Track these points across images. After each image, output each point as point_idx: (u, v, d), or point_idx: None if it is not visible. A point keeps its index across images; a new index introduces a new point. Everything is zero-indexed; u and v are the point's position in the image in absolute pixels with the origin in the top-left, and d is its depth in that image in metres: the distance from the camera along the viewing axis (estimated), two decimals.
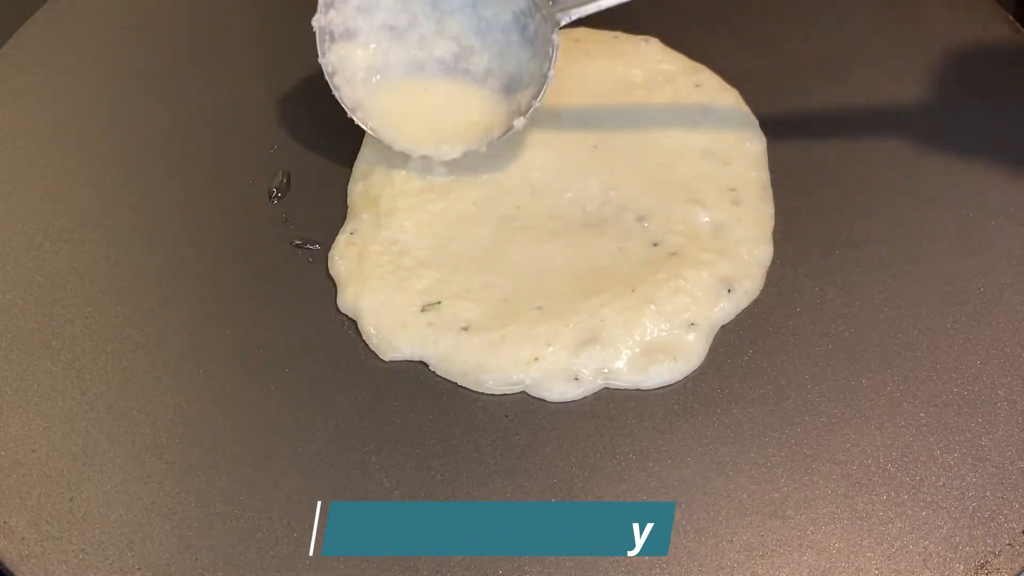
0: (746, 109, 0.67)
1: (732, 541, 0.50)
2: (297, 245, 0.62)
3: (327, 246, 0.62)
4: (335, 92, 0.63)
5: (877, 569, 0.49)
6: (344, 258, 0.61)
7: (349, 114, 0.63)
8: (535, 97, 0.62)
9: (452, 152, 0.63)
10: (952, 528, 0.50)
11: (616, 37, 0.71)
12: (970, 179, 0.63)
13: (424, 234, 0.61)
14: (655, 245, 0.60)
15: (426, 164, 0.63)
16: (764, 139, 0.66)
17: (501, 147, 0.64)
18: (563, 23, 0.61)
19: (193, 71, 0.72)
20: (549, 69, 0.61)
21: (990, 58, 0.69)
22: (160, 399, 0.56)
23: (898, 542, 0.50)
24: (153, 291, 0.60)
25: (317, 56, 0.63)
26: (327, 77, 0.63)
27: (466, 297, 0.58)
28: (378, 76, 0.65)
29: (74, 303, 0.60)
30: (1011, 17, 0.71)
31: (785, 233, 0.61)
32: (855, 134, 0.66)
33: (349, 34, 0.64)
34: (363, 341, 0.58)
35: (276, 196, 0.65)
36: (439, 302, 0.58)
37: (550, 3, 0.62)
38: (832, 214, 0.62)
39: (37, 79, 0.71)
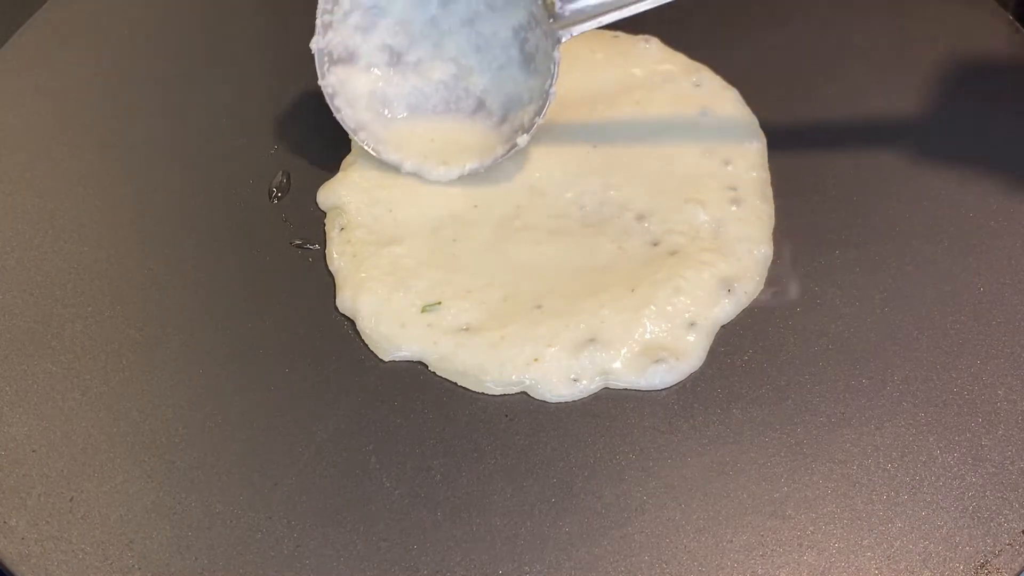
0: (746, 109, 0.67)
1: (732, 541, 0.50)
2: (297, 245, 0.62)
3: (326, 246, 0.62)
4: (336, 114, 0.63)
5: (877, 569, 0.49)
6: (343, 255, 0.61)
7: (351, 135, 0.64)
8: (537, 114, 0.62)
9: (454, 173, 0.63)
10: (952, 528, 0.50)
11: (616, 37, 0.71)
12: (970, 179, 0.63)
13: (424, 234, 0.61)
14: (655, 245, 0.60)
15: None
16: (764, 139, 0.66)
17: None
18: (564, 40, 0.60)
19: (193, 71, 0.72)
20: (551, 86, 0.61)
21: (990, 58, 0.69)
22: (160, 399, 0.56)
23: (898, 542, 0.50)
24: (153, 291, 0.60)
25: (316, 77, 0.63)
26: (327, 99, 0.63)
27: (466, 297, 0.58)
28: (384, 110, 0.65)
29: (74, 303, 0.60)
30: (1011, 17, 0.71)
31: (785, 233, 0.61)
32: (855, 134, 0.66)
33: (349, 56, 0.64)
34: (362, 341, 0.58)
35: (276, 196, 0.65)
36: (439, 302, 0.58)
37: (550, 20, 0.61)
38: (832, 214, 0.62)
39: (37, 79, 0.71)
